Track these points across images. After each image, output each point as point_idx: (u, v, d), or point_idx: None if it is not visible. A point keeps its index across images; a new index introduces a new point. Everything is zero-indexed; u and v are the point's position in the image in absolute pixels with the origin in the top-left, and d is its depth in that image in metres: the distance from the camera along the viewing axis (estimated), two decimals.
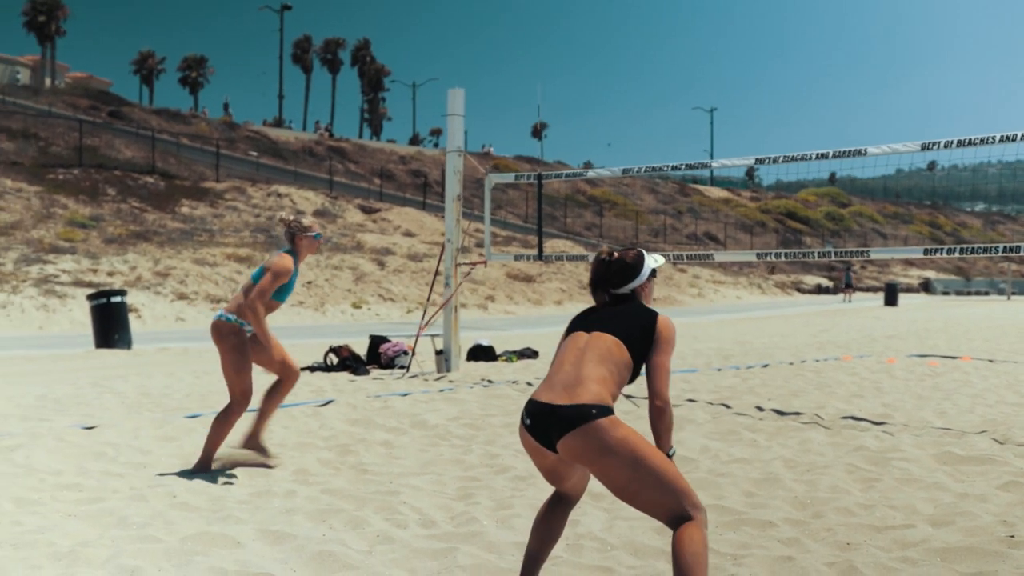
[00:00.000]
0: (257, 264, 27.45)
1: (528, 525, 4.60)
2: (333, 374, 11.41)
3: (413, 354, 11.86)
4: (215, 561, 4.01)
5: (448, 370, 11.32)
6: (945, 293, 59.73)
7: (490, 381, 10.48)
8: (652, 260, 3.71)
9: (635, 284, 3.63)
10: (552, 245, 44.63)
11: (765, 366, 12.62)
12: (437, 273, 11.90)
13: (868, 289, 55.02)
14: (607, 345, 3.40)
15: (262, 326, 5.88)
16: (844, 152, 8.48)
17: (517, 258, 12.47)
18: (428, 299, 12.18)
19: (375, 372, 11.62)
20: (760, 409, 8.35)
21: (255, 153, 50.53)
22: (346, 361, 11.99)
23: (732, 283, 48.15)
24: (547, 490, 5.35)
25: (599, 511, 4.94)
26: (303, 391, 9.64)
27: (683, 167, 9.65)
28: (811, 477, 5.67)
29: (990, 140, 7.66)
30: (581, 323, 3.57)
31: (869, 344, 16.93)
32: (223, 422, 5.96)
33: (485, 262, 12.01)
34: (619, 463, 3.16)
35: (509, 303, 31.72)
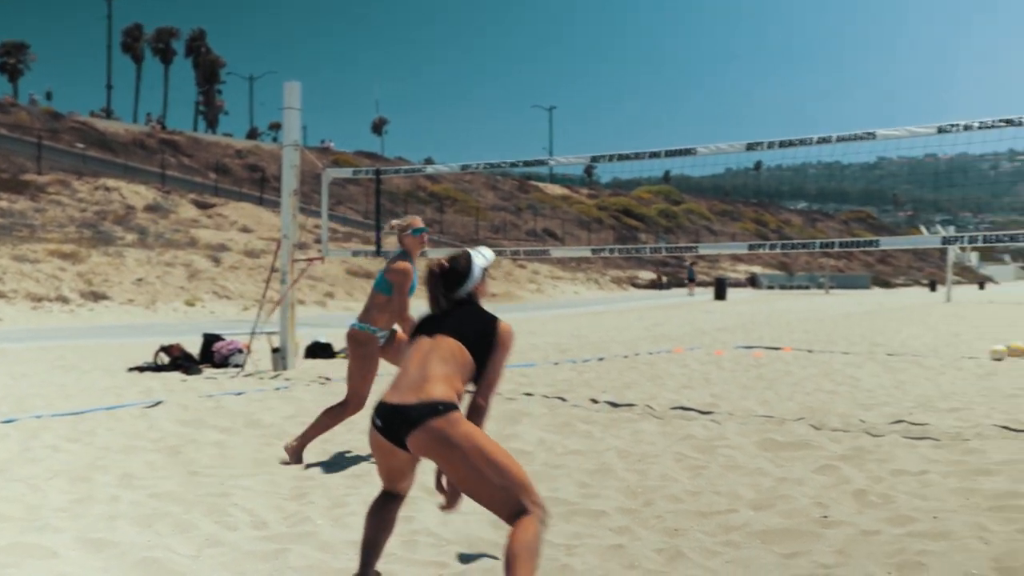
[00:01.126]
0: (82, 259, 26.20)
1: (362, 523, 4.57)
2: (164, 374, 11.00)
3: (248, 352, 11.56)
4: (28, 573, 3.81)
5: (284, 368, 11.10)
6: (770, 287, 62.56)
7: (327, 379, 10.33)
8: (482, 259, 3.82)
9: (470, 286, 3.76)
10: (393, 242, 44.38)
11: (600, 359, 12.91)
12: (273, 270, 11.64)
13: (699, 284, 56.95)
14: (450, 348, 3.53)
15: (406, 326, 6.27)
16: (676, 151, 8.75)
17: (355, 254, 12.38)
18: (264, 296, 11.90)
19: (208, 371, 11.28)
20: (595, 401, 8.54)
21: (81, 145, 48.20)
22: (178, 360, 11.58)
23: (570, 279, 49.05)
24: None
25: (435, 506, 4.93)
26: (130, 391, 9.28)
27: (521, 164, 9.76)
28: (642, 467, 5.83)
29: (809, 141, 8.05)
30: (425, 328, 3.68)
31: (699, 337, 17.56)
32: (332, 416, 6.20)
33: (322, 258, 11.83)
34: (463, 457, 3.27)
35: (349, 299, 31.33)
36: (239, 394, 9.05)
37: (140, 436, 6.92)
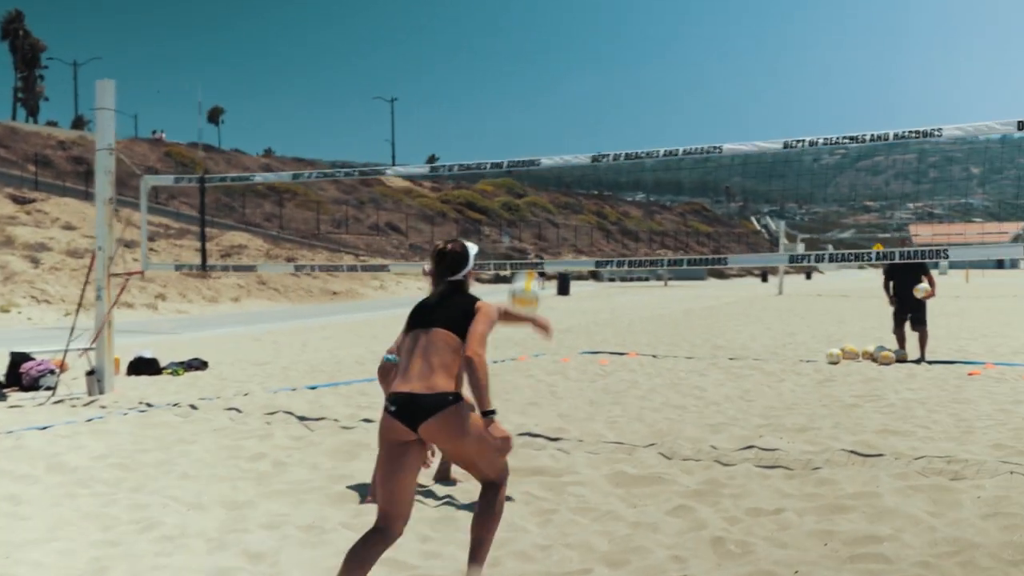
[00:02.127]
0: None
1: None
2: None
3: (62, 371, 10.59)
4: None
5: (101, 392, 10.19)
6: (611, 280, 63.53)
7: (148, 405, 9.50)
8: (474, 248, 4.45)
9: (466, 270, 4.35)
10: (230, 238, 42.78)
11: None
12: (87, 282, 10.66)
13: (544, 277, 57.25)
14: (442, 338, 4.06)
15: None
16: (519, 162, 8.38)
17: (178, 268, 11.49)
18: (78, 309, 10.92)
19: (14, 397, 10.25)
20: None
21: None
22: None
23: (415, 275, 48.43)
24: (198, 554, 4.73)
25: None
26: None
27: (356, 172, 9.19)
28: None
29: (655, 154, 7.81)
30: (417, 320, 4.21)
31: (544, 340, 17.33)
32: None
33: (142, 272, 10.94)
34: (470, 440, 3.95)
35: (182, 301, 29.90)
36: (44, 428, 8.16)
37: None
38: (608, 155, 7.94)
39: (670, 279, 62.99)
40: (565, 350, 15.26)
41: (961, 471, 6.09)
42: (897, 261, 13.28)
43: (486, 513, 4.10)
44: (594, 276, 62.82)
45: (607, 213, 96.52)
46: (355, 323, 24.10)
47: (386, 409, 3.98)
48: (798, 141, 7.02)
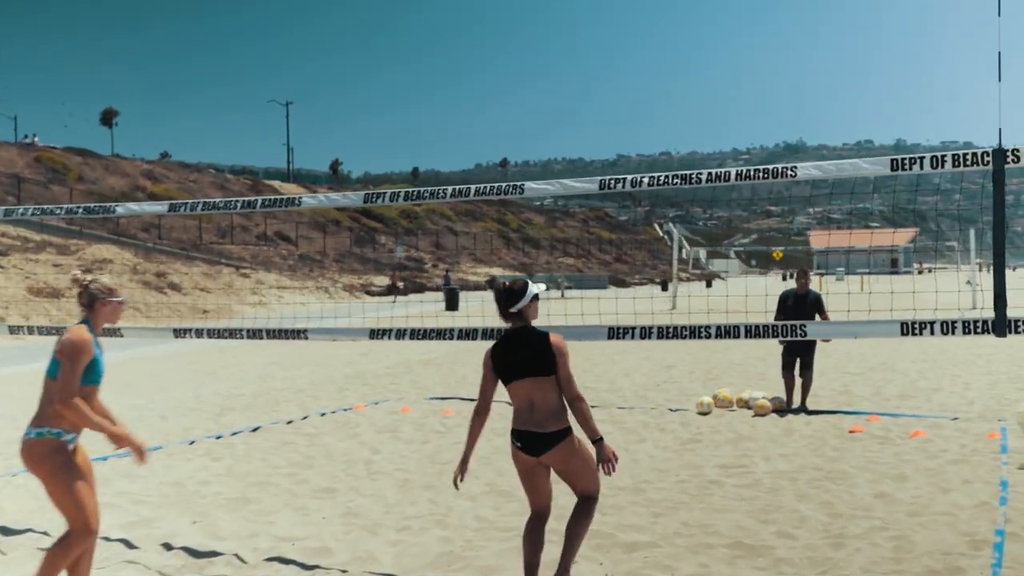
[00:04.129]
0: None
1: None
2: None
3: None
4: None
5: None
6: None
7: None
8: (535, 287, 5.17)
9: (522, 304, 5.08)
10: (95, 251, 39.98)
11: (255, 430, 10.63)
12: None
13: (436, 288, 55.45)
14: (540, 384, 4.94)
15: (92, 421, 4.65)
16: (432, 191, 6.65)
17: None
18: None
19: None
20: (168, 548, 6.21)
21: None
22: None
23: (299, 287, 46.21)
24: None
25: None
26: None
27: (226, 204, 7.30)
28: None
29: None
30: (508, 368, 5.04)
31: (399, 377, 15.57)
32: (62, 550, 4.67)
33: None
34: (579, 463, 4.99)
35: (27, 324, 27.27)
36: None
37: None
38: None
39: (568, 287, 61.61)
40: (415, 391, 13.50)
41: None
42: (790, 294, 12.00)
43: (582, 518, 5.03)
44: (491, 285, 61.17)
45: (508, 220, 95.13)
46: (212, 354, 21.83)
47: (513, 444, 5.02)
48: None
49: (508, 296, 5.09)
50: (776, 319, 11.61)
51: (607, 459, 4.85)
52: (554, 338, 5.00)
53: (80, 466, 4.72)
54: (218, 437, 10.24)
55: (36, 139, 67.29)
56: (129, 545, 6.24)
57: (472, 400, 12.56)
